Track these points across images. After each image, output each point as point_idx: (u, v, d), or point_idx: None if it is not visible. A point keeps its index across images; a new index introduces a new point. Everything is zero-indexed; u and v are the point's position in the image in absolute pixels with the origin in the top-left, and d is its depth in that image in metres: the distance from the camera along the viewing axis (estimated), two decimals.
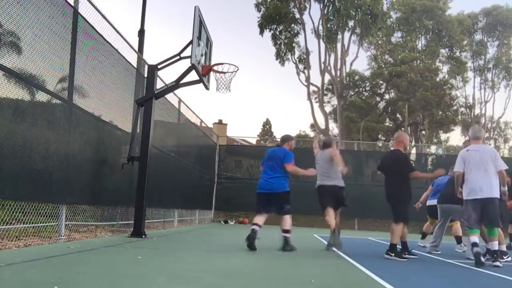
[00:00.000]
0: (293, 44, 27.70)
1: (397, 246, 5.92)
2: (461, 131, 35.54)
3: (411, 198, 6.01)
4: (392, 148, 6.35)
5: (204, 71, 7.05)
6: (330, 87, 28.90)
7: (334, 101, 29.31)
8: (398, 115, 29.09)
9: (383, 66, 30.85)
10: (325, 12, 26.09)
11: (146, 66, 7.72)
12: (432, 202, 8.03)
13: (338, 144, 23.31)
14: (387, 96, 29.50)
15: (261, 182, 6.19)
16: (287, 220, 6.09)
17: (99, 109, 6.31)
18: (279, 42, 27.63)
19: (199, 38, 6.65)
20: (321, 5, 26.05)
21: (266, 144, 29.72)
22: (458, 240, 7.90)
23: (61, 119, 5.28)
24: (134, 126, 6.90)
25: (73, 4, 5.41)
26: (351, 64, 29.96)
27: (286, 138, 6.49)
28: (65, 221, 5.60)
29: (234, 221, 16.00)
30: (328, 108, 29.98)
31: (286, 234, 6.05)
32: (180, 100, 10.77)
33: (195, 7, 6.55)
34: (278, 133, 45.18)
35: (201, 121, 13.99)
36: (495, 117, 35.97)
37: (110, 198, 6.99)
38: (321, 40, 26.70)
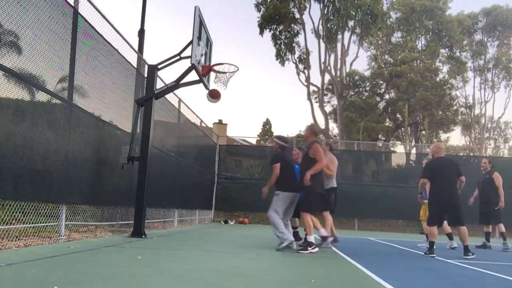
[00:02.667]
0: (293, 44, 27.65)
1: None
2: (461, 131, 35.62)
3: None
4: (436, 156, 6.86)
5: (204, 71, 7.05)
6: (330, 87, 28.86)
7: (334, 101, 29.30)
8: (398, 115, 29.06)
9: (383, 66, 30.83)
10: (325, 12, 26.07)
11: (146, 66, 7.72)
12: None
13: (338, 144, 23.32)
14: (387, 96, 29.48)
15: None
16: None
17: (99, 109, 6.31)
18: (279, 42, 27.59)
19: (199, 38, 6.65)
20: (321, 5, 26.02)
21: (266, 144, 29.73)
22: (450, 236, 8.30)
23: (61, 119, 5.28)
24: (134, 126, 6.90)
25: (73, 4, 5.41)
26: (351, 64, 29.96)
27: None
28: (65, 221, 5.60)
29: (234, 221, 15.99)
30: (328, 108, 29.99)
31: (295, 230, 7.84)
32: (180, 100, 10.77)
33: (195, 7, 6.55)
34: (278, 133, 45.07)
35: (201, 121, 14.00)
36: (495, 117, 36.09)
37: (110, 198, 6.99)
38: (321, 40, 26.68)
